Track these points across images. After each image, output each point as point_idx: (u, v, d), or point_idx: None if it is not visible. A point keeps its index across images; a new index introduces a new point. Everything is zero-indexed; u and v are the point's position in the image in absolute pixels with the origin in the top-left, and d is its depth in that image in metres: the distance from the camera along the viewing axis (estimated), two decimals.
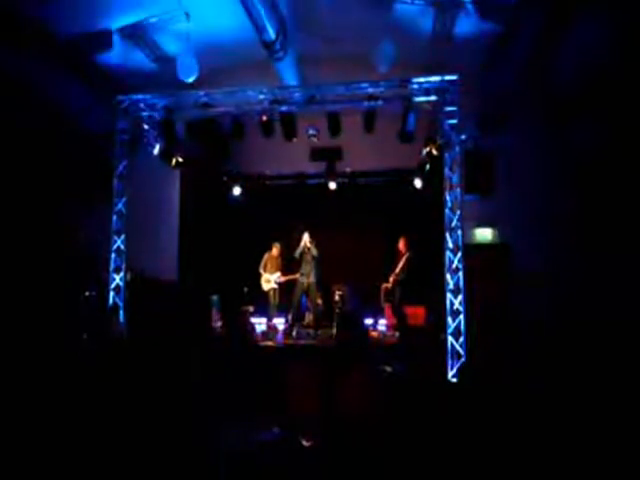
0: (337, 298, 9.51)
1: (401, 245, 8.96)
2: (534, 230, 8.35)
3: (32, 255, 7.33)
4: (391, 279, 8.88)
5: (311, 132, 8.59)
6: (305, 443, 2.35)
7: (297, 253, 9.12)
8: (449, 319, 6.92)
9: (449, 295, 6.97)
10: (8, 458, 2.60)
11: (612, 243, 7.16)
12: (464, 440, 2.81)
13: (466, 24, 7.50)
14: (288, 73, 8.40)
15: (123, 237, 7.98)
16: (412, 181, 9.88)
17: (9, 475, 2.51)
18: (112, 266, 7.92)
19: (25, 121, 7.26)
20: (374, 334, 8.93)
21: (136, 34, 7.95)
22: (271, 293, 9.62)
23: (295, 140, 8.11)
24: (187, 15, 7.56)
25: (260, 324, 9.37)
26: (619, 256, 6.97)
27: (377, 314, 9.67)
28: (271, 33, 7.04)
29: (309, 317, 9.53)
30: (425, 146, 8.28)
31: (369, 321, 9.43)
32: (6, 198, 6.95)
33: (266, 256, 9.74)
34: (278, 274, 9.61)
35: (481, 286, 7.94)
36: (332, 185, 10.59)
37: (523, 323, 8.08)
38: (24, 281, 7.06)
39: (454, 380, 6.58)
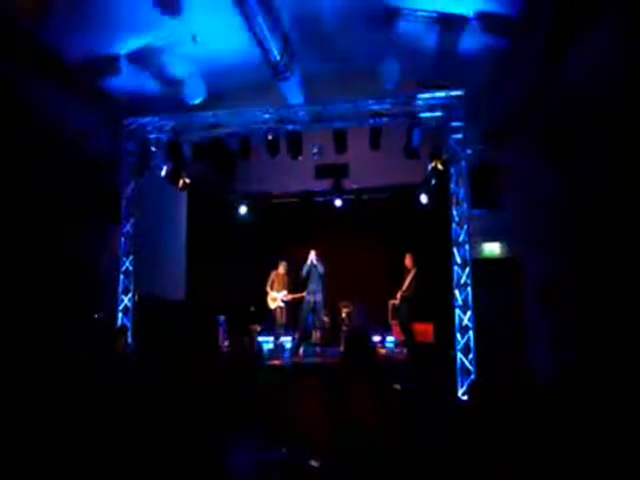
0: (344, 315, 9.48)
1: (408, 261, 8.92)
2: (543, 243, 8.28)
3: (40, 278, 7.36)
4: (398, 295, 8.82)
5: (315, 151, 8.65)
6: (313, 463, 2.31)
7: (304, 271, 9.13)
8: (458, 335, 6.85)
9: (458, 311, 6.91)
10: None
11: (623, 256, 7.06)
12: (476, 459, 2.75)
13: (471, 40, 7.55)
14: (293, 92, 8.49)
15: (131, 258, 8.02)
16: (418, 197, 9.89)
17: None
18: (120, 287, 7.94)
19: (32, 144, 7.35)
20: (382, 351, 8.85)
21: (143, 58, 8.06)
22: (278, 311, 9.59)
23: (301, 158, 8.16)
24: (194, 38, 7.68)
25: (267, 342, 9.32)
26: (631, 270, 6.87)
27: (385, 331, 9.60)
28: (276, 53, 7.13)
29: (316, 335, 9.48)
30: (431, 161, 8.29)
31: (377, 338, 9.36)
32: (12, 220, 7.01)
33: (273, 274, 9.73)
34: (285, 292, 9.59)
35: (490, 301, 7.86)
36: (338, 202, 10.62)
37: (536, 338, 7.98)
38: (33, 304, 7.08)
39: (464, 397, 6.49)
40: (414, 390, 4.76)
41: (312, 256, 9.13)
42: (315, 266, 9.04)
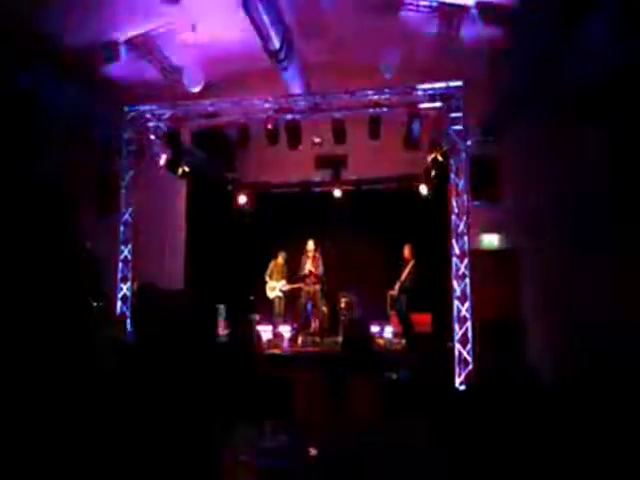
0: (343, 305, 9.50)
1: (407, 252, 8.92)
2: (542, 236, 8.29)
3: (39, 266, 7.36)
4: (397, 286, 8.84)
5: (317, 140, 8.62)
6: (312, 451, 2.33)
7: (305, 270, 9.17)
8: (456, 326, 6.88)
9: (456, 302, 6.93)
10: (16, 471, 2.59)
11: (623, 248, 7.07)
12: (472, 449, 2.78)
13: (471, 29, 7.51)
14: (293, 81, 8.44)
15: (130, 247, 8.02)
16: (418, 188, 9.85)
17: None
18: (119, 275, 7.95)
19: (32, 133, 7.32)
20: (380, 341, 8.87)
21: (143, 45, 8.01)
22: (277, 301, 9.62)
23: (300, 148, 8.13)
24: (193, 26, 7.62)
25: (266, 332, 9.35)
26: (631, 262, 6.88)
27: (383, 321, 9.63)
28: (276, 42, 7.08)
29: (315, 324, 9.51)
30: (430, 152, 8.27)
31: (375, 328, 9.38)
32: (12, 206, 7.00)
33: (272, 264, 9.75)
34: (283, 282, 9.61)
35: (489, 293, 7.89)
36: (337, 193, 10.58)
37: (534, 330, 8.03)
38: (32, 292, 7.09)
39: (462, 388, 6.54)
40: (411, 379, 4.79)
41: (310, 246, 9.15)
42: (317, 266, 9.09)
